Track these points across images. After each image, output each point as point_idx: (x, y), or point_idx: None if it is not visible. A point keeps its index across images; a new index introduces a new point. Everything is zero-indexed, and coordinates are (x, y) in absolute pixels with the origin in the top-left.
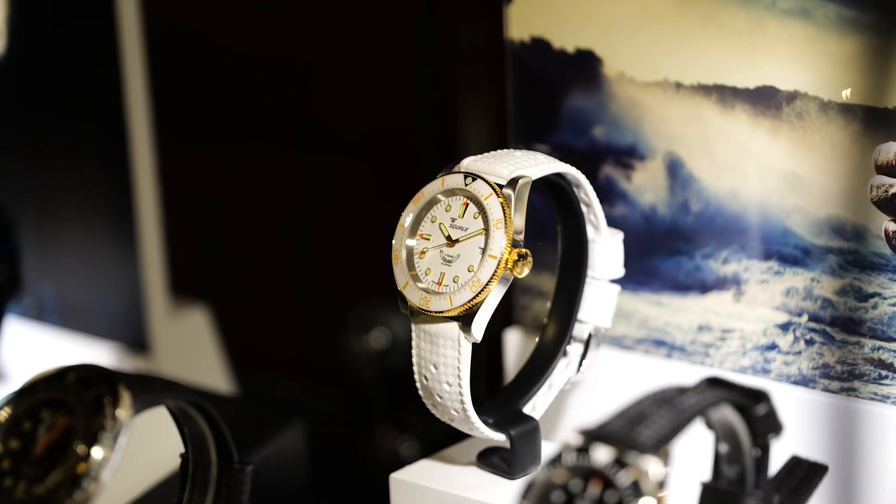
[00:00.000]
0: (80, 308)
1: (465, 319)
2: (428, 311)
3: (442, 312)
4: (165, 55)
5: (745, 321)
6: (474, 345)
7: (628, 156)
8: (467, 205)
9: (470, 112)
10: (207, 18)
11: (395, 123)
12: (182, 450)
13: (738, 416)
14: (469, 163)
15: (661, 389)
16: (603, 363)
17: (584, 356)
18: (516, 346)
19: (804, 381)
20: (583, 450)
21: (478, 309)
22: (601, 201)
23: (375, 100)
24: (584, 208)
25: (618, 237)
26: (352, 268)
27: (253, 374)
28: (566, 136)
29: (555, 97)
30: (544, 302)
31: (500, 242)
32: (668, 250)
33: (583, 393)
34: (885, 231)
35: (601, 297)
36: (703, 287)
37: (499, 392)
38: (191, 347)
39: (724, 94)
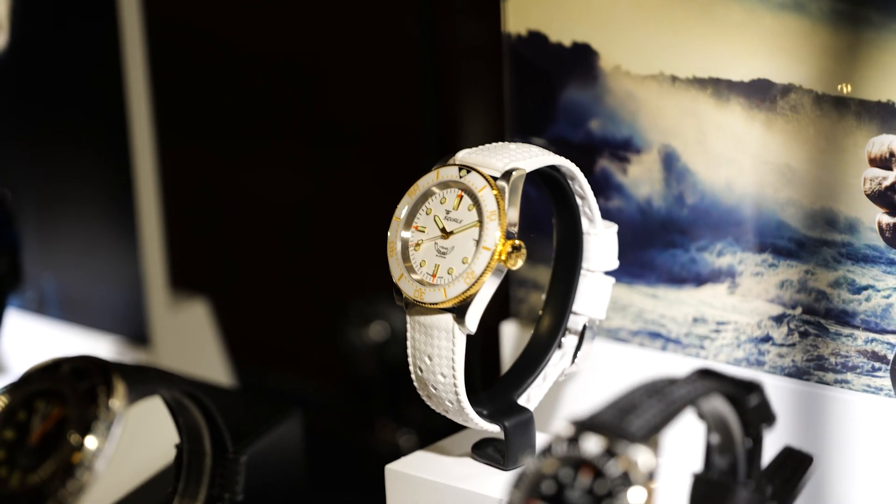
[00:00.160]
0: (80, 301)
1: (459, 311)
2: (422, 303)
3: (436, 304)
4: (167, 49)
5: (739, 313)
6: (469, 336)
7: (624, 149)
8: (462, 197)
9: (469, 106)
10: (208, 14)
11: (395, 118)
12: (177, 440)
13: (730, 406)
14: (464, 155)
15: (652, 380)
16: (598, 355)
17: (578, 348)
18: (513, 339)
19: (798, 374)
20: (573, 440)
21: (472, 300)
22: (597, 194)
23: (375, 95)
24: (578, 201)
25: (612, 229)
26: (351, 261)
27: (253, 366)
28: (563, 129)
29: (551, 90)
30: (540, 294)
31: (493, 234)
32: (664, 243)
33: (578, 384)
34: (879, 223)
35: (596, 289)
36: (698, 279)
37: (494, 384)
38: (191, 340)
39: (720, 88)
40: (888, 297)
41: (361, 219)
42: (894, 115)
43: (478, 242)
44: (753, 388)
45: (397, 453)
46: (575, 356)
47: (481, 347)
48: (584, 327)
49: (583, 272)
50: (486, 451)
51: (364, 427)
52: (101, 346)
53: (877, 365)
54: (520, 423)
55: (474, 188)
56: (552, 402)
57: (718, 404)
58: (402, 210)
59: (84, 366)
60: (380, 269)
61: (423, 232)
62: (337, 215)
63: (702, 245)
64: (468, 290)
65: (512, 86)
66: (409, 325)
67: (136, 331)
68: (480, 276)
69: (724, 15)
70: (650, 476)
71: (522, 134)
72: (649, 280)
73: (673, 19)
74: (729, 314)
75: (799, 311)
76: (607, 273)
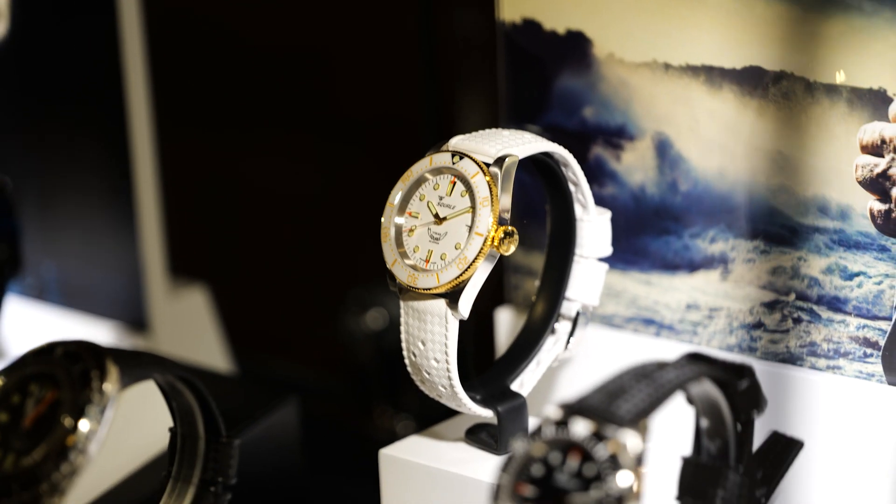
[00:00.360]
0: (80, 287)
1: (451, 296)
2: (416, 288)
3: (429, 289)
4: (166, 39)
5: (732, 300)
6: (463, 322)
7: (618, 136)
8: (455, 183)
9: (466, 95)
10: (207, 4)
11: (394, 108)
12: (172, 424)
13: (720, 391)
14: (457, 142)
15: (641, 364)
16: (592, 341)
17: (571, 334)
18: (507, 325)
19: (791, 360)
20: (562, 423)
21: (464, 286)
22: (591, 181)
23: (374, 85)
24: (572, 187)
25: (606, 216)
26: (349, 249)
27: (251, 353)
28: (557, 116)
29: (546, 78)
30: (535, 281)
31: (486, 220)
32: (657, 230)
33: (572, 370)
34: (870, 210)
35: (589, 276)
36: (691, 266)
37: (488, 369)
38: (190, 327)
39: (712, 75)
40: (879, 283)
41: (360, 207)
42: (886, 102)
43: (470, 228)
44: (744, 372)
45: (394, 439)
46: (568, 342)
47: (476, 334)
48: (578, 313)
49: (576, 258)
50: (479, 436)
51: (362, 413)
52: (100, 332)
53: (868, 351)
54: (513, 409)
55: (467, 174)
56: (546, 387)
57: (708, 388)
58: (396, 196)
59: (78, 350)
60: (378, 257)
61: (417, 218)
62: (335, 204)
63: (695, 232)
64: (461, 275)
65: (507, 73)
66: (402, 311)
67: (135, 317)
68: (473, 261)
69: (716, 3)
70: (638, 459)
71: (517, 122)
72: (643, 267)
73: (666, 7)
74: (721, 300)
75: (792, 297)
76: (601, 259)
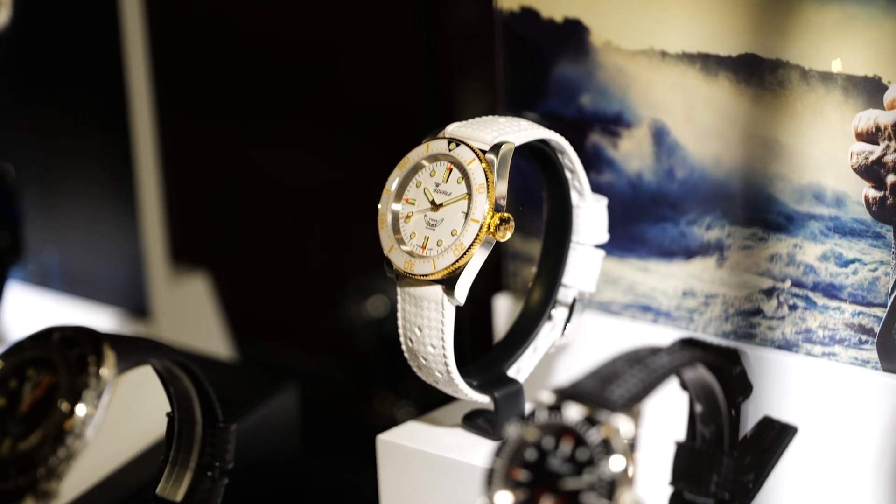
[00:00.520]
0: (82, 274)
1: (448, 283)
2: (412, 275)
3: (426, 276)
4: (168, 28)
5: (728, 287)
6: (460, 308)
7: (615, 123)
8: (451, 170)
9: (465, 84)
10: None
11: (392, 95)
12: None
13: (713, 376)
14: (453, 129)
15: (634, 349)
16: (590, 328)
17: (568, 320)
18: (506, 312)
19: (787, 346)
20: (555, 408)
21: (461, 272)
22: (589, 169)
23: (373, 73)
24: (568, 174)
25: (602, 203)
26: (350, 236)
27: (252, 340)
28: (554, 104)
29: (543, 66)
30: (532, 268)
31: (482, 207)
32: (654, 217)
33: (569, 357)
34: (866, 197)
35: (585, 262)
36: (688, 253)
37: (485, 355)
38: (191, 313)
39: (708, 63)
40: (874, 270)
41: (360, 194)
42: (881, 89)
43: (467, 215)
44: (736, 357)
45: (395, 426)
46: (565, 328)
47: (472, 320)
48: (574, 300)
49: (572, 245)
50: (476, 421)
51: (362, 400)
52: (102, 318)
53: (864, 338)
54: (509, 394)
55: (463, 161)
56: (543, 373)
57: (702, 374)
58: (393, 183)
59: (75, 335)
60: (378, 245)
61: (413, 204)
62: (336, 191)
63: (691, 219)
64: (457, 261)
65: (504, 62)
66: (399, 297)
67: (136, 304)
68: (469, 248)
69: None
70: (631, 444)
71: (515, 109)
72: (640, 253)
73: None
74: (718, 287)
75: (787, 284)
76: (597, 246)
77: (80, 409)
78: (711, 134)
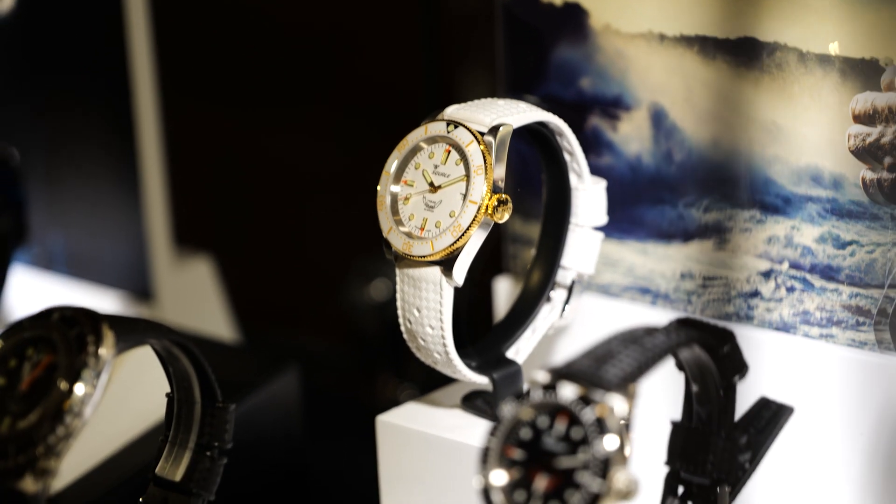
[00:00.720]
0: (87, 257)
1: (446, 264)
2: (411, 256)
3: (424, 257)
4: (171, 11)
5: (728, 269)
6: (459, 290)
7: (614, 106)
8: (449, 152)
9: (466, 67)
10: None
11: (395, 79)
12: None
13: (706, 355)
14: (452, 111)
15: (630, 329)
16: (589, 310)
17: (567, 301)
18: (506, 295)
19: (785, 328)
20: (550, 387)
21: (459, 253)
22: (588, 152)
23: (375, 57)
24: (567, 157)
25: (601, 185)
26: (354, 219)
27: (256, 323)
28: (554, 87)
29: (543, 49)
30: (532, 250)
31: (480, 188)
32: (653, 199)
33: (568, 338)
34: (863, 179)
35: (584, 244)
36: (686, 235)
37: (484, 337)
38: (195, 296)
39: (706, 46)
40: (871, 252)
41: (363, 178)
42: (878, 71)
43: (465, 196)
44: (726, 337)
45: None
46: (564, 310)
47: (473, 303)
48: (573, 281)
49: (571, 227)
50: (475, 402)
51: (366, 383)
52: (106, 301)
53: (861, 319)
54: (508, 375)
55: (462, 143)
56: (542, 355)
57: (698, 353)
58: (392, 164)
59: (74, 314)
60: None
61: (412, 186)
62: (339, 174)
63: (689, 201)
64: (455, 243)
65: (505, 45)
66: (398, 278)
67: (141, 287)
68: (467, 229)
69: None
70: (625, 423)
71: (516, 93)
72: (639, 236)
73: None
74: (717, 269)
75: (785, 266)
76: (596, 228)
77: (79, 389)
78: (710, 117)
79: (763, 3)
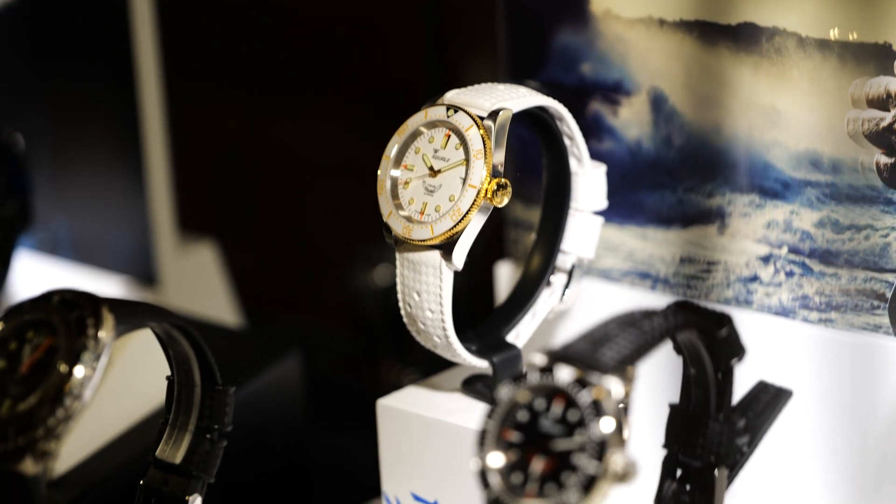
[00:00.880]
0: (92, 243)
1: (446, 248)
2: (411, 240)
3: (424, 241)
4: None
5: (728, 253)
6: (458, 274)
7: (615, 91)
8: (449, 136)
9: (466, 51)
10: None
11: (397, 65)
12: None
13: (702, 339)
14: (452, 95)
15: (628, 312)
16: (589, 294)
17: (567, 286)
18: (507, 280)
19: (784, 312)
20: (547, 370)
21: (458, 237)
22: (589, 137)
23: (377, 43)
24: (567, 141)
25: (601, 170)
26: (357, 205)
27: (260, 308)
28: (556, 72)
29: (544, 35)
30: (532, 234)
31: (479, 172)
32: (653, 184)
33: (568, 323)
34: (877, 164)
35: (584, 229)
36: (687, 220)
37: (484, 321)
38: (199, 282)
39: (707, 31)
40: (886, 236)
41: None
42: (890, 56)
43: (464, 181)
44: (724, 321)
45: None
46: (563, 294)
47: (474, 288)
48: (573, 266)
49: (571, 212)
50: (475, 386)
51: (370, 368)
52: (111, 286)
53: (876, 303)
54: (508, 359)
55: (461, 127)
56: (542, 339)
57: (693, 337)
58: (392, 149)
59: (74, 297)
60: None
61: (412, 170)
62: (343, 160)
63: (690, 186)
64: (455, 227)
65: (506, 30)
66: (398, 262)
67: (145, 272)
68: (466, 213)
69: None
70: (622, 405)
71: (517, 78)
72: (639, 221)
73: None
74: (718, 254)
75: (785, 250)
76: (596, 213)
77: (79, 371)
78: (710, 102)
79: None
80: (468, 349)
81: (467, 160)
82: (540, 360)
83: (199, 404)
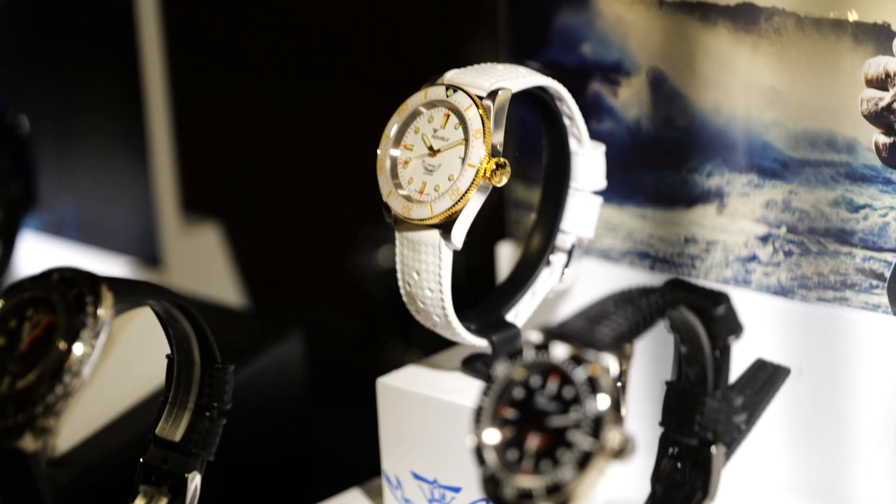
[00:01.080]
0: (96, 224)
1: (445, 227)
2: (410, 219)
3: (423, 220)
4: None
5: (727, 233)
6: (459, 253)
7: (614, 72)
8: (448, 116)
9: (468, 32)
10: None
11: (399, 45)
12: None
13: (698, 317)
14: (452, 75)
15: (625, 289)
16: (589, 274)
17: (567, 265)
18: (508, 260)
19: (783, 292)
20: (542, 347)
21: (457, 217)
22: (589, 117)
23: (379, 24)
24: (566, 121)
25: (600, 150)
26: (361, 187)
27: (263, 289)
28: (556, 53)
29: (545, 15)
30: (533, 215)
31: (478, 152)
32: (652, 164)
33: (568, 302)
34: (876, 143)
35: (584, 208)
36: (688, 200)
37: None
38: (203, 263)
39: (707, 11)
40: (885, 215)
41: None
42: (890, 36)
43: (463, 160)
44: (721, 298)
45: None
46: (563, 273)
47: (474, 267)
48: (573, 245)
49: (571, 191)
50: (475, 365)
51: (373, 349)
52: (115, 267)
53: (874, 283)
54: (507, 338)
55: (460, 107)
56: (541, 318)
57: (687, 315)
58: (392, 129)
59: (74, 275)
60: None
61: (412, 150)
62: (347, 142)
63: (690, 166)
64: (454, 206)
65: (508, 11)
66: (397, 241)
67: (149, 253)
68: (465, 192)
69: None
70: (617, 382)
71: (518, 58)
72: (638, 201)
73: None
74: (717, 234)
75: (783, 230)
76: (595, 192)
77: (78, 348)
78: (710, 82)
79: None
80: (468, 328)
81: (466, 140)
82: (536, 337)
83: (198, 382)
